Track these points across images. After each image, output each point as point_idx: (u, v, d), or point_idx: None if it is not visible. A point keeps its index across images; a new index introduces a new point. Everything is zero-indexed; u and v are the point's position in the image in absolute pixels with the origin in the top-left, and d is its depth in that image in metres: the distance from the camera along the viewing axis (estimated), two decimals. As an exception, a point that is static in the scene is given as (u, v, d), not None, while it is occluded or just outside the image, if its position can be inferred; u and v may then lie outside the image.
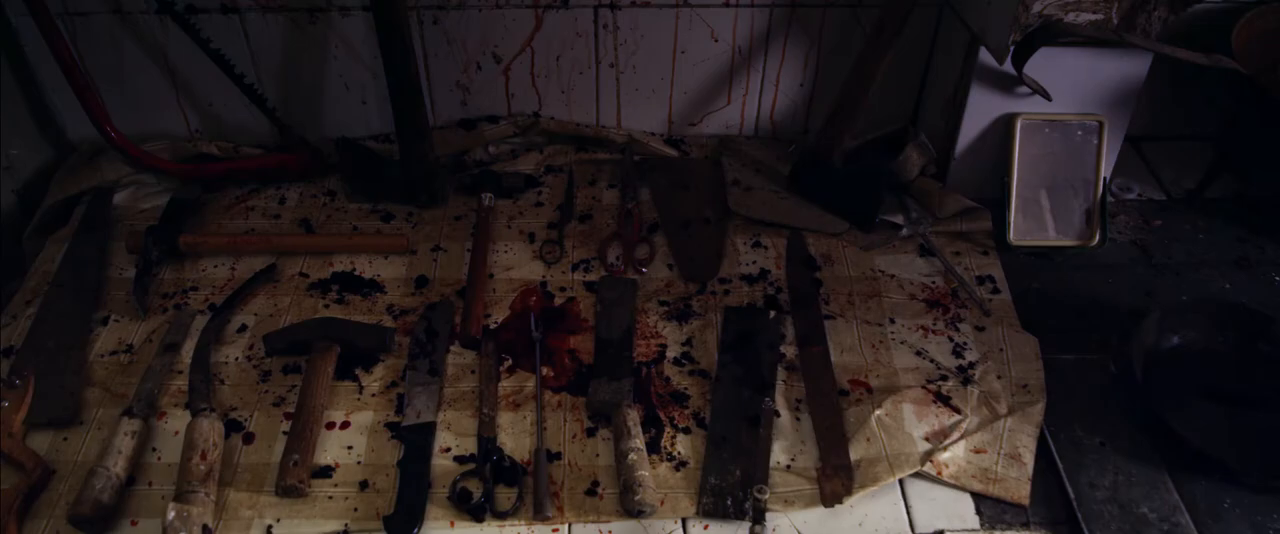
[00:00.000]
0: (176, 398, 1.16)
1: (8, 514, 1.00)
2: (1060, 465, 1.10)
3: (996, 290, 1.34)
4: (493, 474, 1.08)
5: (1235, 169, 1.49)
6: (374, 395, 1.18)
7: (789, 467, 1.10)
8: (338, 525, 1.03)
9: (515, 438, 1.13)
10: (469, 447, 1.12)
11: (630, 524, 1.04)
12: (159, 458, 1.09)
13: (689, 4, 1.43)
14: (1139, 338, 1.19)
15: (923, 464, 1.08)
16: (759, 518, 1.04)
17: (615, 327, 1.26)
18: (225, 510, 1.04)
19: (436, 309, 1.28)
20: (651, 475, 1.06)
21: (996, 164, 1.42)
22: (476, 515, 1.04)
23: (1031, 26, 1.22)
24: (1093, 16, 1.22)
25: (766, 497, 1.05)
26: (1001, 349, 1.24)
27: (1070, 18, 1.22)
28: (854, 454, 1.10)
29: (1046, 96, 1.32)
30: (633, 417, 1.12)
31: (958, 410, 1.16)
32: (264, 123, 1.46)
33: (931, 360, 1.23)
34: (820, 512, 1.06)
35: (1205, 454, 1.07)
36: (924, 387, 1.19)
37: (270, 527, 1.03)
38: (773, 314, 1.29)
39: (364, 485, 1.07)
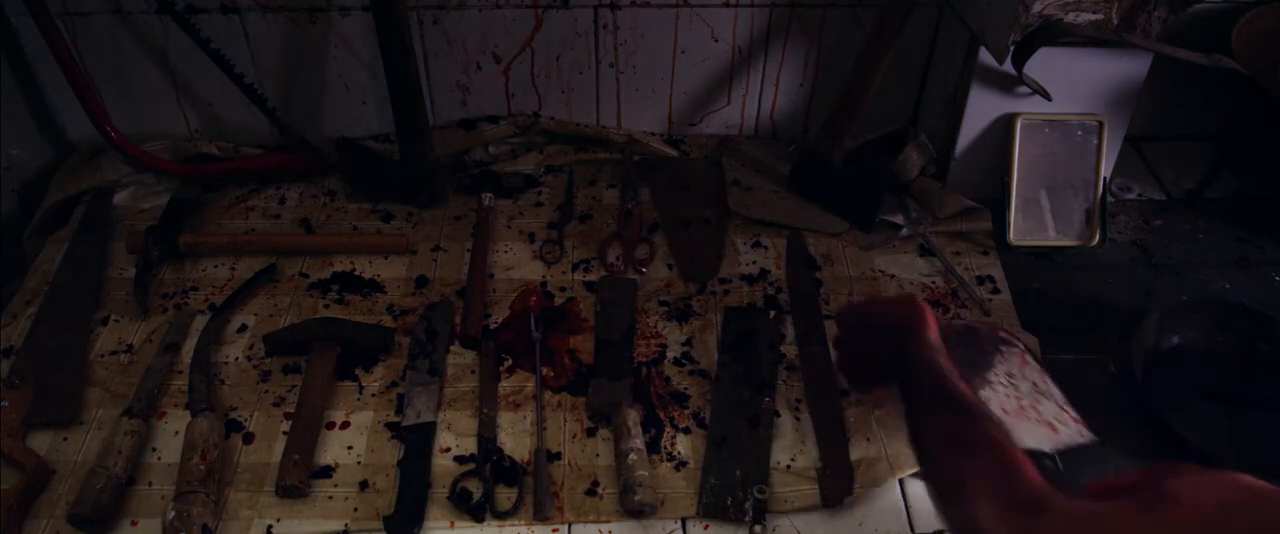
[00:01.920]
0: (176, 398, 1.16)
1: (7, 514, 1.00)
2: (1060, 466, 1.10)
3: (996, 290, 1.34)
4: (493, 474, 1.08)
5: (1235, 169, 1.49)
6: (374, 395, 1.18)
7: (789, 467, 1.10)
8: (338, 525, 1.03)
9: (515, 438, 1.13)
10: (469, 447, 1.12)
11: (630, 524, 1.04)
12: (159, 458, 1.09)
13: (689, 4, 1.43)
14: (1139, 338, 1.19)
15: (923, 464, 1.08)
16: (759, 518, 1.04)
17: (615, 327, 1.26)
18: (225, 510, 1.04)
19: (436, 309, 1.28)
20: (651, 475, 1.06)
21: (996, 164, 1.42)
22: (476, 515, 1.04)
23: (1031, 26, 1.22)
24: (1093, 16, 1.22)
25: (766, 497, 1.05)
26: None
27: (1070, 18, 1.22)
28: (854, 454, 1.10)
29: (1046, 96, 1.32)
30: (633, 417, 1.12)
31: (958, 410, 1.15)
32: (264, 123, 1.46)
33: (931, 360, 1.23)
34: (820, 512, 1.06)
35: (1205, 454, 1.07)
36: (924, 387, 1.18)
37: (270, 527, 1.03)
38: (773, 314, 1.29)
39: (364, 485, 1.07)
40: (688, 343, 1.25)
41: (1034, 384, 0.96)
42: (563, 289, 1.33)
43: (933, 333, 0.82)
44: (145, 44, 1.43)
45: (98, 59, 1.44)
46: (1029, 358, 0.98)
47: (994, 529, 0.62)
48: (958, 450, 0.69)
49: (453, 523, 1.04)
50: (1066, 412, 0.92)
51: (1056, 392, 0.93)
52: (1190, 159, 1.55)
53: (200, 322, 1.26)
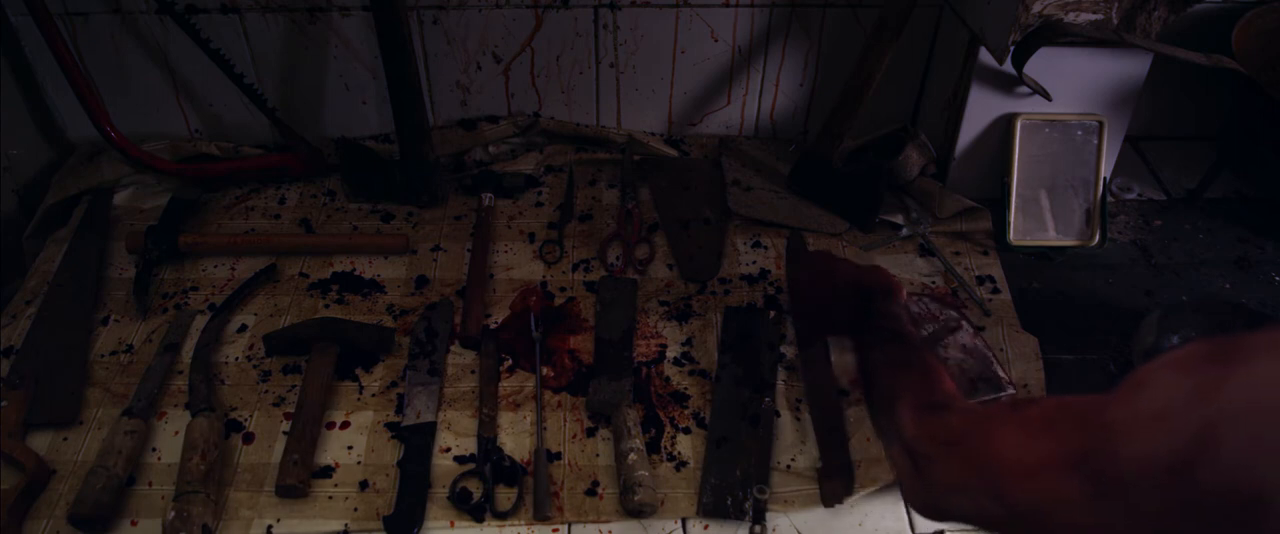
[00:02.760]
0: (176, 398, 1.16)
1: (7, 514, 1.00)
2: (1060, 465, 1.10)
3: (996, 290, 1.34)
4: (493, 474, 1.08)
5: (1235, 169, 1.49)
6: (374, 395, 1.18)
7: (789, 467, 1.10)
8: (338, 525, 1.03)
9: (515, 438, 1.13)
10: (469, 447, 1.12)
11: (630, 524, 1.04)
12: (159, 458, 1.09)
13: (689, 4, 1.43)
14: (1139, 338, 1.19)
15: (923, 464, 1.08)
16: (759, 518, 1.04)
17: (615, 327, 1.26)
18: (225, 510, 1.04)
19: (436, 309, 1.28)
20: (651, 475, 1.06)
21: (996, 164, 1.42)
22: (476, 516, 1.04)
23: (1031, 26, 1.22)
24: (1093, 16, 1.22)
25: (767, 497, 1.05)
26: (1001, 349, 1.24)
27: (1070, 18, 1.22)
28: (854, 454, 1.10)
29: (1046, 96, 1.32)
30: (633, 417, 1.12)
31: (958, 410, 1.16)
32: (264, 123, 1.46)
33: (931, 360, 1.23)
34: (820, 512, 1.06)
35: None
36: (924, 387, 1.19)
37: (270, 527, 1.03)
38: (772, 314, 1.29)
39: (364, 485, 1.07)
40: (688, 343, 1.25)
41: (964, 346, 1.17)
42: (563, 289, 1.33)
43: (901, 296, 0.98)
44: (145, 44, 1.43)
45: (98, 59, 1.44)
46: (965, 324, 1.20)
47: (911, 426, 0.75)
48: (895, 369, 0.84)
49: (453, 523, 1.04)
50: (989, 370, 1.14)
51: (987, 354, 1.15)
52: (1190, 159, 1.55)
53: (200, 322, 1.26)
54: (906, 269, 1.37)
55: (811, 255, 1.16)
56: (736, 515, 1.04)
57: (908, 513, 1.06)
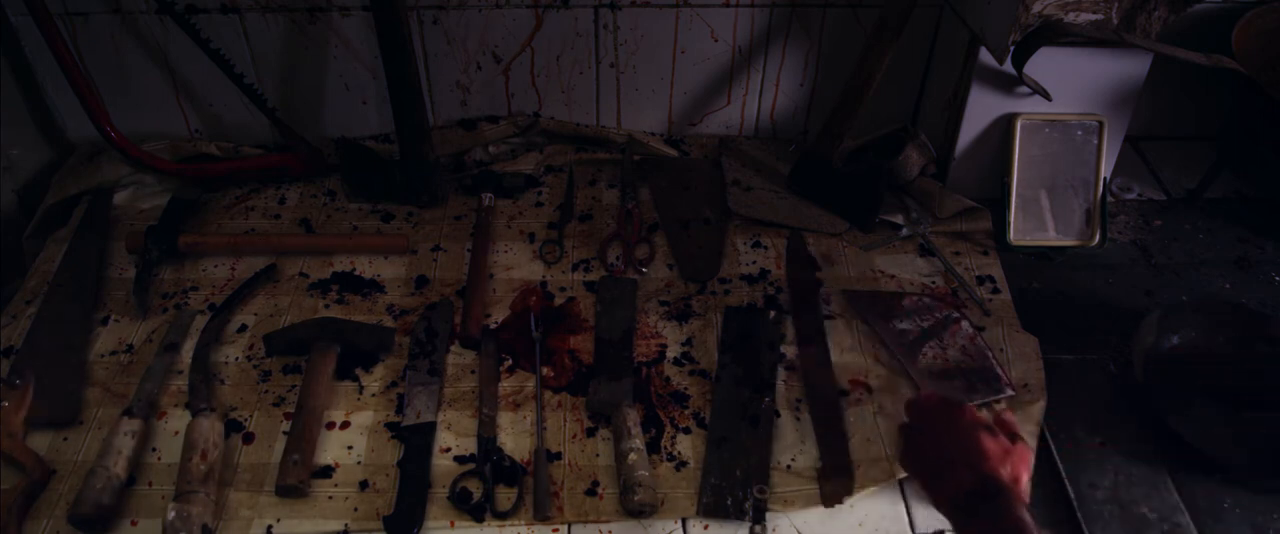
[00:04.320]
0: (176, 398, 1.16)
1: (7, 514, 1.00)
2: (1060, 466, 1.10)
3: (996, 290, 1.34)
4: (493, 474, 1.08)
5: (1235, 169, 1.49)
6: (374, 395, 1.18)
7: (789, 467, 1.10)
8: (338, 525, 1.03)
9: (515, 438, 1.13)
10: (469, 447, 1.12)
11: (630, 524, 1.04)
12: (159, 458, 1.09)
13: (689, 4, 1.43)
14: (1139, 338, 1.19)
15: (923, 464, 1.08)
16: (759, 518, 1.04)
17: (615, 327, 1.26)
18: (225, 510, 1.04)
19: (436, 309, 1.28)
20: (651, 475, 1.06)
21: (996, 164, 1.42)
22: (476, 515, 1.04)
23: (1031, 26, 1.22)
24: (1093, 16, 1.22)
25: (767, 497, 1.05)
26: (1001, 349, 1.24)
27: (1070, 18, 1.22)
28: (854, 454, 1.10)
29: (1046, 96, 1.32)
30: (633, 417, 1.12)
31: (958, 410, 1.16)
32: (264, 123, 1.46)
33: (931, 360, 1.23)
34: (820, 512, 1.06)
35: (1205, 454, 1.07)
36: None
37: (270, 527, 1.03)
38: (773, 314, 1.29)
39: (364, 485, 1.07)
40: (688, 343, 1.25)
41: (963, 346, 1.20)
42: (563, 289, 1.33)
43: (1025, 503, 0.89)
44: (145, 44, 1.43)
45: (98, 59, 1.44)
46: (965, 325, 1.23)
47: None
48: None
49: (453, 523, 1.04)
50: (989, 370, 1.17)
51: (986, 354, 1.18)
52: (1190, 159, 1.55)
53: (200, 322, 1.26)
54: (906, 269, 1.37)
55: (948, 412, 0.97)
56: (736, 515, 1.04)
57: (908, 513, 1.06)
